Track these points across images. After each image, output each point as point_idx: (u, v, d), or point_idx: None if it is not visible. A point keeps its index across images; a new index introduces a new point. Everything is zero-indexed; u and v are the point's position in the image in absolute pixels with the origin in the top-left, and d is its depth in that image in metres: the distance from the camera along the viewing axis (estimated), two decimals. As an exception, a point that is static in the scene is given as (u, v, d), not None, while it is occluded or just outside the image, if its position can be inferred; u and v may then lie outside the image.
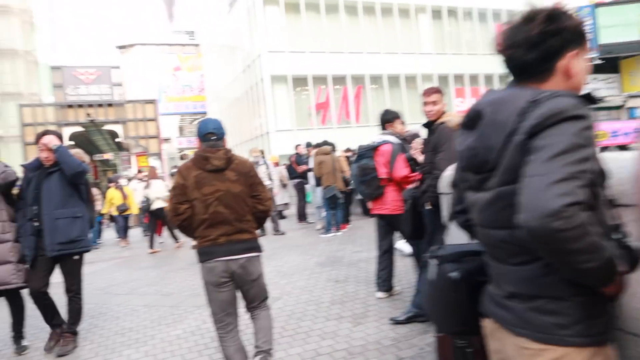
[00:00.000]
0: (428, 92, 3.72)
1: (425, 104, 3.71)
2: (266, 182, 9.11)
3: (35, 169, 4.08)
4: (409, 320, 3.86)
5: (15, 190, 4.15)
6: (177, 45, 50.35)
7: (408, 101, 26.79)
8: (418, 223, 3.86)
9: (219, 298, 2.86)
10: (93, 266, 8.43)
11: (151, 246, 9.35)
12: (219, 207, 2.80)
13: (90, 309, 5.34)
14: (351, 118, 26.14)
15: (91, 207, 4.39)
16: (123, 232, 11.32)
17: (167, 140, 44.38)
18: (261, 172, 9.00)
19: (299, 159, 10.81)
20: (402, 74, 26.92)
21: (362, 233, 8.52)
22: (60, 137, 4.17)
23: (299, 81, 25.30)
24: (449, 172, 3.39)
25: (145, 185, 9.86)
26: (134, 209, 11.23)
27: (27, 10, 45.28)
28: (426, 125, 3.77)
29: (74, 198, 4.08)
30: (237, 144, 29.64)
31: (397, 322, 3.88)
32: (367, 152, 4.47)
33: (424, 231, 3.84)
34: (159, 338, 4.19)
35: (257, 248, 2.98)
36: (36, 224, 3.97)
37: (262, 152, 10.99)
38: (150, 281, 6.56)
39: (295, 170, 10.83)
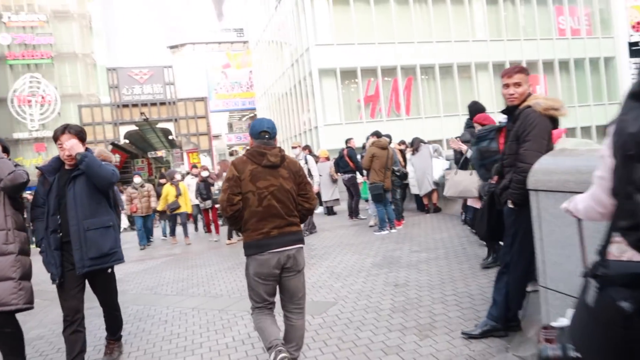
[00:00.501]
0: (509, 73, 3.16)
1: (507, 86, 3.16)
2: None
3: (54, 171, 3.49)
4: (484, 335, 3.36)
5: (27, 195, 3.67)
6: (226, 43, 51.03)
7: (461, 91, 25.74)
8: (495, 223, 3.35)
9: (263, 290, 2.99)
10: (143, 264, 8.39)
11: (230, 237, 9.48)
12: (272, 201, 2.94)
13: (139, 311, 5.16)
14: (401, 110, 25.42)
15: (118, 213, 4.01)
16: (172, 230, 11.28)
17: (217, 137, 45.10)
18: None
19: (352, 152, 10.35)
20: (454, 63, 25.86)
21: (419, 231, 7.99)
22: (82, 133, 3.53)
23: (348, 74, 24.82)
24: (538, 166, 2.88)
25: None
26: (188, 207, 10.80)
27: (85, 15, 47.15)
28: (507, 111, 3.24)
29: (104, 205, 3.53)
30: (286, 138, 29.54)
31: (470, 337, 3.39)
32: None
33: (502, 233, 3.33)
34: (207, 346, 3.90)
35: (303, 240, 3.12)
36: (60, 235, 3.39)
37: (306, 147, 10.64)
38: (199, 281, 6.35)
39: (348, 164, 10.38)
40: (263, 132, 3.03)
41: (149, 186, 11.12)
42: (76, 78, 44.59)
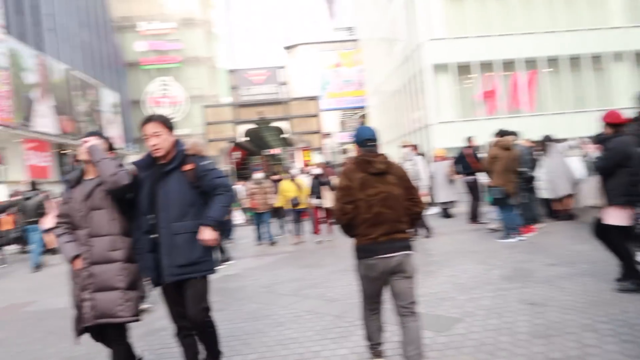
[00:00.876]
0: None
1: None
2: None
3: (147, 166, 3.18)
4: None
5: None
6: (338, 42, 51.53)
7: (595, 85, 23.19)
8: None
9: (372, 289, 3.16)
10: (259, 260, 8.55)
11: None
12: (382, 208, 3.01)
13: (255, 310, 5.16)
14: (523, 106, 23.54)
15: None
16: (297, 227, 10.43)
17: (328, 135, 45.74)
18: (408, 167, 8.14)
19: (474, 152, 9.60)
20: (585, 54, 23.34)
21: (553, 240, 7.16)
22: (168, 122, 3.21)
23: (463, 69, 23.58)
24: None
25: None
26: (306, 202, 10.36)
27: (208, 21, 50.53)
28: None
29: (196, 207, 3.09)
30: (396, 137, 28.93)
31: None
32: None
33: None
34: (324, 356, 3.71)
35: (411, 247, 3.14)
36: (154, 236, 3.05)
37: (414, 146, 10.09)
38: (314, 282, 6.24)
39: (469, 164, 9.63)
40: (367, 140, 3.16)
41: (269, 182, 11.05)
42: (201, 80, 48.01)
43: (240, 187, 13.80)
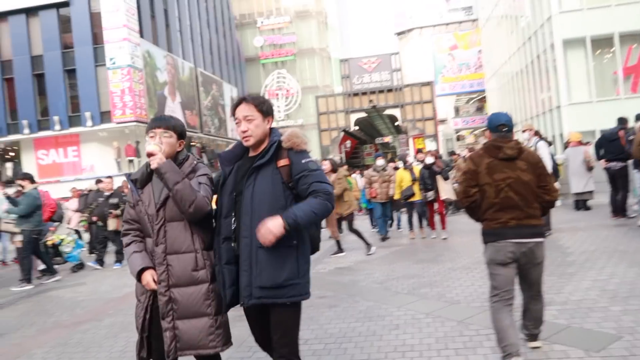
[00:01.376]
0: None
1: None
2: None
3: (235, 158, 2.54)
4: None
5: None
6: (454, 24, 49.08)
7: None
8: None
9: (503, 274, 3.04)
10: (372, 254, 8.22)
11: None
12: (510, 193, 2.99)
13: (369, 308, 4.85)
14: (676, 82, 20.29)
15: None
16: (413, 221, 9.57)
17: (442, 121, 43.93)
18: None
19: (627, 135, 8.18)
20: None
21: None
22: (263, 105, 2.47)
23: (601, 42, 20.91)
24: None
25: None
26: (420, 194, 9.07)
27: (322, 12, 51.11)
28: None
29: None
30: (519, 122, 26.73)
31: None
32: None
33: None
34: (448, 370, 3.28)
35: (543, 234, 3.10)
36: (234, 245, 2.41)
37: (536, 132, 8.84)
38: (431, 280, 5.76)
39: (621, 149, 8.16)
40: (501, 126, 3.10)
41: (390, 170, 9.80)
42: (314, 71, 48.88)
43: (356, 176, 13.62)
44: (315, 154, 46.10)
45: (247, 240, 2.35)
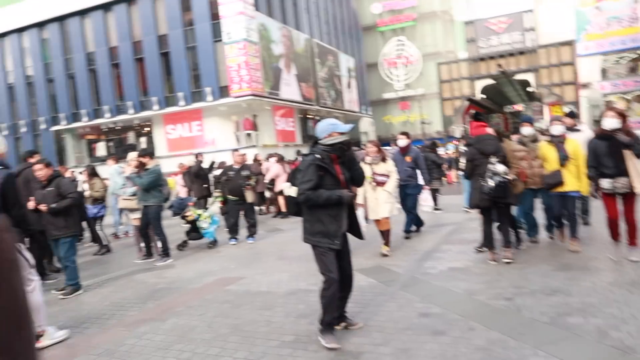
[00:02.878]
0: None
1: None
2: None
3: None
4: None
5: None
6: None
7: None
8: None
9: None
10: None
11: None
12: None
13: (490, 343, 3.47)
14: None
15: None
16: (557, 219, 6.39)
17: (586, 85, 38.42)
18: None
19: None
20: None
21: None
22: None
23: None
24: None
25: None
26: (582, 183, 5.81)
27: (444, -30, 47.36)
28: None
29: None
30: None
31: None
32: None
33: None
34: None
35: None
36: None
37: None
38: (583, 301, 4.07)
39: None
40: None
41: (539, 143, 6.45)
42: (435, 37, 45.77)
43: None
44: (437, 125, 43.42)
45: None
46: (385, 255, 6.42)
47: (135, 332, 4.28)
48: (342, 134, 3.68)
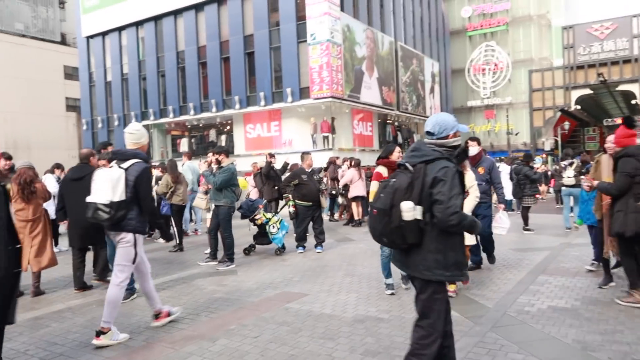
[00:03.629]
0: None
1: None
2: None
3: None
4: None
5: None
6: None
7: None
8: None
9: None
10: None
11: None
12: None
13: None
14: None
15: None
16: None
17: None
18: None
19: None
20: None
21: None
22: None
23: None
24: None
25: None
26: None
27: (542, -28, 44.44)
28: None
29: None
30: None
31: None
32: None
33: None
34: None
35: None
36: None
37: None
38: None
39: None
40: None
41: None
42: (529, 42, 43.01)
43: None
44: (524, 137, 40.71)
45: None
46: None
47: (180, 352, 3.83)
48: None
